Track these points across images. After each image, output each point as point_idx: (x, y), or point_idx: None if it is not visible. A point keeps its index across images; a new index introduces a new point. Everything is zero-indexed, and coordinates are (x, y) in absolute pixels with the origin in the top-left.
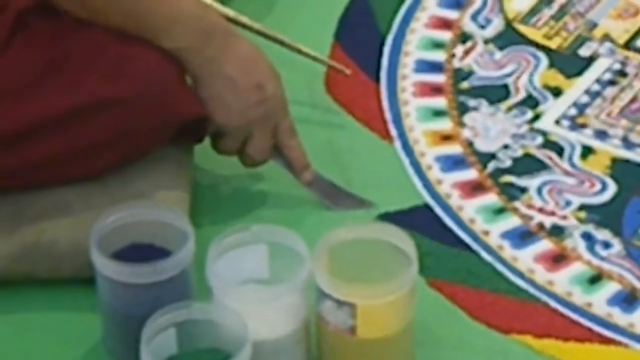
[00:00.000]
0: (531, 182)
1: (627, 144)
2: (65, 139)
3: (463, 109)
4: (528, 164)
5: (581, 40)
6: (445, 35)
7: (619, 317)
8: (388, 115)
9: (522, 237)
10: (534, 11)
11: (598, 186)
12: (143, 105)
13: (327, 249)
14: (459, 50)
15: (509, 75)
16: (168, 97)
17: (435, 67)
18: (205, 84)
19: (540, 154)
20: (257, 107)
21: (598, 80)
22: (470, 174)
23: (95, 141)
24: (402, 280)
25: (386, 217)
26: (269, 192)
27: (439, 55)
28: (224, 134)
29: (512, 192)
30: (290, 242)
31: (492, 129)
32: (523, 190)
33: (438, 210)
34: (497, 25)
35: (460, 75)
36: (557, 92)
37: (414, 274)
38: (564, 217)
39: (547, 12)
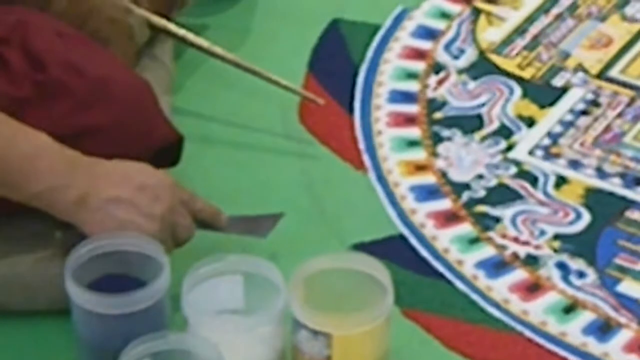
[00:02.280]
0: (505, 212)
1: (601, 173)
2: None
3: (437, 139)
4: (502, 194)
5: (554, 71)
6: (419, 66)
7: (593, 346)
8: (362, 145)
9: (496, 266)
10: (506, 41)
11: (572, 216)
12: (119, 134)
13: (303, 279)
14: (433, 80)
15: (482, 105)
16: (143, 124)
17: (409, 97)
18: (96, 222)
19: (514, 184)
20: (156, 202)
21: (571, 110)
22: (445, 203)
23: None
24: (377, 310)
25: (360, 247)
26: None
27: (413, 86)
28: None
29: (486, 222)
30: (265, 272)
31: (466, 159)
32: (497, 220)
33: (412, 240)
34: (470, 55)
35: (434, 105)
36: (530, 122)
37: (389, 303)
38: (538, 247)
39: (520, 43)
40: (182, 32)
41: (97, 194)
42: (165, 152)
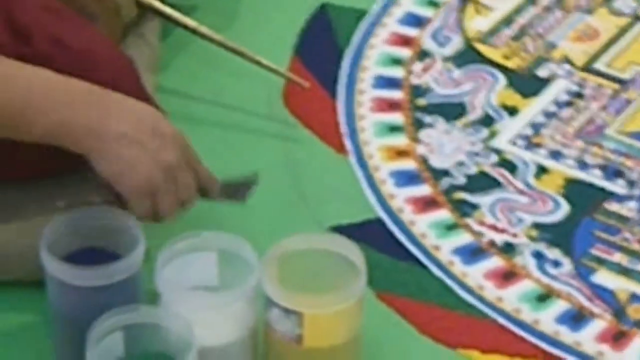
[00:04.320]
0: (484, 200)
1: (582, 164)
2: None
3: (419, 125)
4: (482, 182)
5: (540, 61)
6: (404, 52)
7: (566, 335)
8: (344, 129)
9: (472, 253)
10: (493, 31)
11: (551, 205)
12: None
13: (277, 257)
14: (418, 67)
15: (466, 93)
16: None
17: (393, 83)
18: (102, 154)
19: (494, 172)
20: (165, 150)
21: (555, 101)
22: (424, 189)
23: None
24: (350, 290)
25: (338, 230)
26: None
27: (397, 72)
28: (143, 196)
29: (464, 209)
30: (239, 249)
31: (447, 145)
32: (475, 207)
33: (390, 225)
34: (456, 43)
35: (418, 92)
36: (513, 112)
37: (362, 285)
38: (515, 235)
39: (507, 33)
40: (169, 10)
41: (107, 125)
42: None
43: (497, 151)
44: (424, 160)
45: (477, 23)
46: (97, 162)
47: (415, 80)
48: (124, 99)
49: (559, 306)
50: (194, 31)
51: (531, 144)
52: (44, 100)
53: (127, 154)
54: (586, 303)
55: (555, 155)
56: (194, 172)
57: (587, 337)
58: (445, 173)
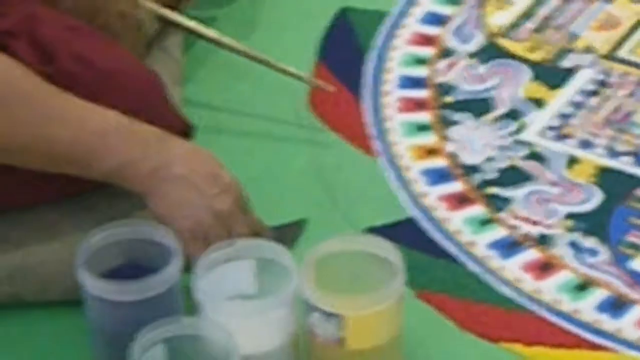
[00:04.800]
0: (517, 193)
1: (612, 152)
2: None
3: (447, 123)
4: (513, 175)
5: (563, 52)
6: (428, 51)
7: (607, 323)
8: (372, 131)
9: (508, 247)
10: (515, 25)
11: (584, 195)
12: None
13: (314, 261)
14: (442, 65)
15: (492, 88)
16: (153, 115)
17: (418, 82)
18: (160, 194)
19: (526, 165)
20: (221, 196)
21: (581, 91)
22: (456, 186)
23: None
24: (389, 290)
25: (372, 231)
26: (254, 208)
27: (422, 71)
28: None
29: (497, 203)
30: (276, 256)
31: (477, 141)
32: (509, 200)
33: (424, 223)
34: (479, 40)
35: (444, 89)
36: (540, 104)
37: (401, 283)
38: (550, 226)
39: (529, 26)
40: (191, 24)
41: (169, 168)
42: None
43: (527, 144)
44: (454, 158)
45: (499, 18)
46: (151, 201)
47: (440, 79)
48: (187, 144)
49: (598, 294)
50: (216, 42)
51: (560, 135)
52: (115, 141)
53: (180, 196)
54: (625, 290)
55: (585, 144)
56: (247, 220)
57: (628, 324)
58: (476, 169)
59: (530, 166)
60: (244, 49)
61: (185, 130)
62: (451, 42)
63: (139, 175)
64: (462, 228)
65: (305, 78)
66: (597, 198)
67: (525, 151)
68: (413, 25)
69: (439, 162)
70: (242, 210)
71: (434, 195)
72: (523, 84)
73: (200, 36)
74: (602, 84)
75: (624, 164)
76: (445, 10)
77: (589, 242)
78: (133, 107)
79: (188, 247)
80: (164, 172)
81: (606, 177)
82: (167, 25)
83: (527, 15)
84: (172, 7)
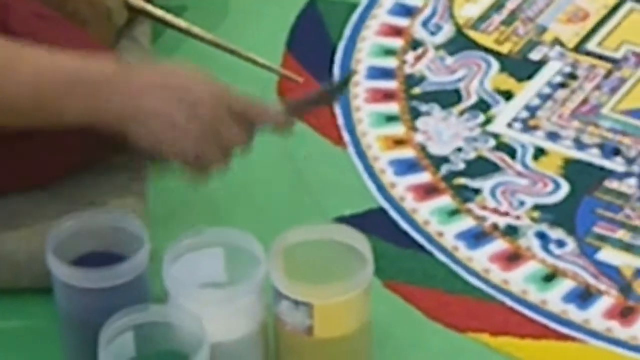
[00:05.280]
0: (484, 184)
1: (579, 144)
2: (16, 149)
3: (415, 114)
4: (481, 166)
5: (531, 45)
6: (396, 42)
7: (574, 313)
8: (341, 121)
9: (476, 237)
10: (484, 17)
11: (551, 186)
12: None
13: (283, 250)
14: (410, 56)
15: (460, 80)
16: None
17: (387, 73)
18: (135, 132)
19: (493, 156)
20: (196, 112)
21: (549, 83)
22: (424, 177)
23: (45, 148)
24: (358, 279)
25: (341, 220)
26: (223, 196)
27: (391, 62)
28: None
29: (465, 194)
30: (245, 244)
31: (445, 132)
32: (477, 191)
33: (392, 213)
34: (447, 31)
35: (412, 81)
36: (508, 96)
37: (369, 272)
38: (518, 217)
39: (497, 18)
40: (160, 12)
41: (138, 109)
42: None
43: (495, 135)
44: (422, 148)
45: (467, 10)
46: (130, 139)
47: (408, 70)
48: (147, 70)
49: (566, 285)
50: (185, 32)
51: (528, 127)
52: (69, 88)
53: (155, 130)
54: (592, 281)
55: (553, 136)
56: (239, 119)
57: (595, 314)
58: (445, 160)
59: (497, 157)
60: (213, 39)
61: None
62: (420, 34)
63: (108, 119)
64: (430, 218)
65: (274, 68)
66: (564, 189)
67: (493, 142)
68: (382, 16)
69: (408, 153)
70: (229, 112)
71: (402, 185)
72: (491, 75)
73: (169, 25)
74: (570, 76)
75: (592, 156)
76: (415, 1)
77: (556, 233)
78: None
79: (187, 169)
80: (132, 110)
81: (573, 169)
82: (136, 14)
83: (495, 7)
84: None
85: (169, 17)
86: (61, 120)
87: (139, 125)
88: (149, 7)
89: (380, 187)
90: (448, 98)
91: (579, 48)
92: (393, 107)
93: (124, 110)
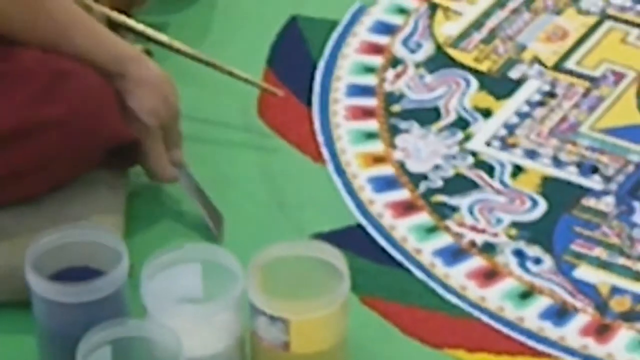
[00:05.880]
0: (462, 201)
1: (557, 162)
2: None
3: (394, 131)
4: (459, 184)
5: (511, 63)
6: (376, 60)
7: (550, 330)
8: (320, 138)
9: (454, 254)
10: (463, 35)
11: (528, 204)
12: (76, 126)
13: (260, 266)
14: (390, 74)
15: (439, 97)
16: (101, 120)
17: (366, 91)
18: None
19: (471, 174)
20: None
21: (528, 102)
22: (402, 194)
23: (27, 163)
24: (334, 295)
25: (320, 237)
26: (202, 213)
27: (370, 80)
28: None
29: (443, 211)
30: (223, 260)
31: (424, 150)
32: (454, 209)
33: (371, 230)
34: (427, 49)
35: (392, 98)
36: (487, 114)
37: (345, 289)
38: (495, 235)
39: (477, 36)
40: (141, 27)
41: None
42: (125, 151)
43: (473, 153)
44: (401, 165)
45: (447, 28)
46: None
47: (388, 87)
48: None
49: (542, 302)
50: (166, 46)
51: (506, 145)
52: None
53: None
54: (569, 298)
55: (531, 154)
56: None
57: (571, 332)
58: (423, 177)
59: (476, 175)
60: (194, 53)
61: (130, 142)
62: (400, 52)
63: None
64: (408, 235)
65: (254, 81)
66: (541, 207)
67: (471, 160)
68: (363, 33)
69: (386, 170)
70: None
71: (380, 202)
72: (470, 93)
73: (150, 39)
74: (549, 94)
75: (569, 174)
76: (395, 19)
77: (533, 250)
78: (81, 111)
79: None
80: (133, 66)
81: (551, 187)
82: (118, 28)
83: (475, 25)
84: (123, 12)
85: (150, 31)
86: (66, 44)
87: (135, 70)
88: (131, 22)
89: (359, 204)
90: (427, 116)
91: (558, 66)
92: (372, 125)
93: (127, 53)
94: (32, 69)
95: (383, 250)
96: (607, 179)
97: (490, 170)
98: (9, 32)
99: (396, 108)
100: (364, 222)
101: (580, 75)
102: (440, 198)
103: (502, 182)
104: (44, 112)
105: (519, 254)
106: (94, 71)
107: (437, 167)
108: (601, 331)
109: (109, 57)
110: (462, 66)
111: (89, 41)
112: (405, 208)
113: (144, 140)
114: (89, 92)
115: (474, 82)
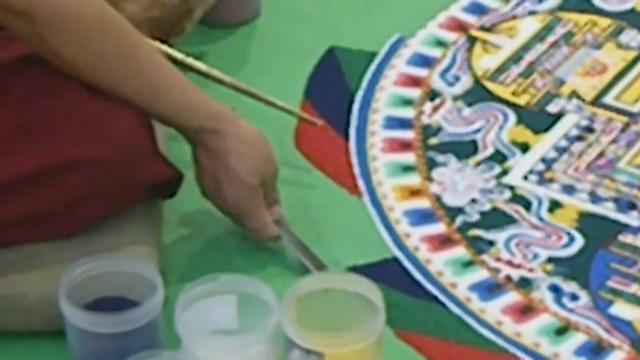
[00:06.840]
0: (499, 236)
1: (594, 198)
2: (36, 198)
3: (431, 164)
4: (496, 218)
5: (549, 97)
6: (414, 93)
7: None
8: (357, 170)
9: (489, 289)
10: (502, 69)
11: (565, 239)
12: (114, 167)
13: (295, 298)
14: (428, 107)
15: (477, 131)
16: (139, 159)
17: (404, 123)
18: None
19: (508, 208)
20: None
21: (566, 136)
22: (439, 227)
23: (66, 201)
24: (369, 328)
25: (355, 270)
26: (236, 244)
27: (408, 112)
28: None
29: (480, 246)
30: (258, 292)
31: (460, 183)
32: (491, 243)
33: (406, 263)
34: (465, 82)
35: (429, 131)
36: (525, 148)
37: (381, 322)
38: (532, 270)
39: (515, 70)
40: (180, 55)
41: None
42: (163, 184)
43: (510, 187)
44: (437, 199)
45: (486, 61)
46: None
47: (426, 120)
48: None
49: (578, 339)
50: (205, 74)
51: (544, 179)
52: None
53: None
54: (604, 335)
55: (568, 189)
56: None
57: None
58: (460, 210)
59: (512, 209)
60: (232, 81)
61: (173, 177)
62: (438, 84)
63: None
64: (444, 269)
65: (293, 111)
66: (578, 243)
67: (508, 194)
68: (401, 66)
69: (423, 203)
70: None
71: (416, 235)
72: (508, 127)
73: (189, 68)
74: (587, 129)
75: (607, 210)
76: (433, 52)
77: (570, 286)
78: (119, 151)
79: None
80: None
81: (588, 222)
82: None
83: (514, 59)
84: (162, 41)
85: (188, 59)
86: (157, 107)
87: (232, 128)
88: (170, 51)
89: (395, 237)
90: (464, 149)
91: (596, 101)
92: (409, 157)
93: (221, 111)
94: (69, 110)
95: (418, 284)
96: None
97: (527, 204)
98: (103, 86)
99: (433, 141)
100: (399, 255)
101: (618, 111)
102: (477, 232)
103: (539, 217)
104: (83, 151)
105: (555, 289)
106: (131, 111)
107: (473, 201)
108: None
109: (206, 114)
110: (500, 100)
111: (184, 97)
112: (441, 242)
113: (246, 201)
114: (128, 133)
115: (512, 116)
